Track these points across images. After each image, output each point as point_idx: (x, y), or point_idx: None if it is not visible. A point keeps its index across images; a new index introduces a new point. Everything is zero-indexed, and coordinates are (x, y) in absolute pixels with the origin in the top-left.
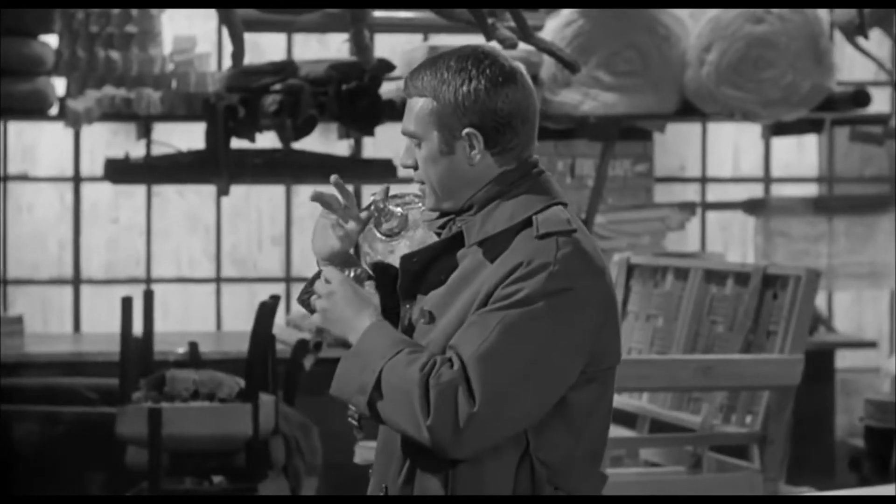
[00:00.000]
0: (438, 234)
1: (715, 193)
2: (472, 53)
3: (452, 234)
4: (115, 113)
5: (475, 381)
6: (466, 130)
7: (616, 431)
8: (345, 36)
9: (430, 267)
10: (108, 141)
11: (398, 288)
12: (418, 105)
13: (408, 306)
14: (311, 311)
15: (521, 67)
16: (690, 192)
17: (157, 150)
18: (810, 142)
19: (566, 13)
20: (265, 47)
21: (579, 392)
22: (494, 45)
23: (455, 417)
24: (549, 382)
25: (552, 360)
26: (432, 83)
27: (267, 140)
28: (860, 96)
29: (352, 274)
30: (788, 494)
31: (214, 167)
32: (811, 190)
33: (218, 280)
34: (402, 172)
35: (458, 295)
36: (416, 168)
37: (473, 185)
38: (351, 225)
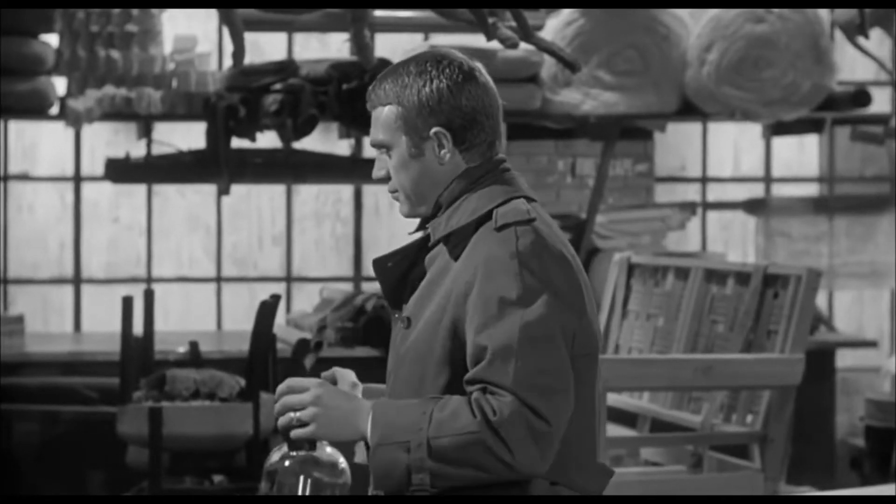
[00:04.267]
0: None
1: (715, 193)
2: (431, 56)
3: (422, 237)
4: (115, 112)
5: (536, 401)
6: (434, 130)
7: (617, 431)
8: (345, 35)
9: (409, 273)
10: (108, 140)
11: (383, 296)
12: (383, 113)
13: (395, 315)
14: (292, 430)
15: (480, 65)
16: (691, 192)
17: (157, 150)
18: (811, 141)
19: (567, 13)
20: (265, 47)
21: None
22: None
23: (535, 444)
24: (568, 370)
25: (562, 348)
26: (395, 89)
27: (267, 140)
28: (861, 96)
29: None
30: (789, 494)
31: (215, 167)
32: (812, 190)
33: (218, 279)
34: None
35: (431, 297)
36: (388, 179)
37: (444, 184)
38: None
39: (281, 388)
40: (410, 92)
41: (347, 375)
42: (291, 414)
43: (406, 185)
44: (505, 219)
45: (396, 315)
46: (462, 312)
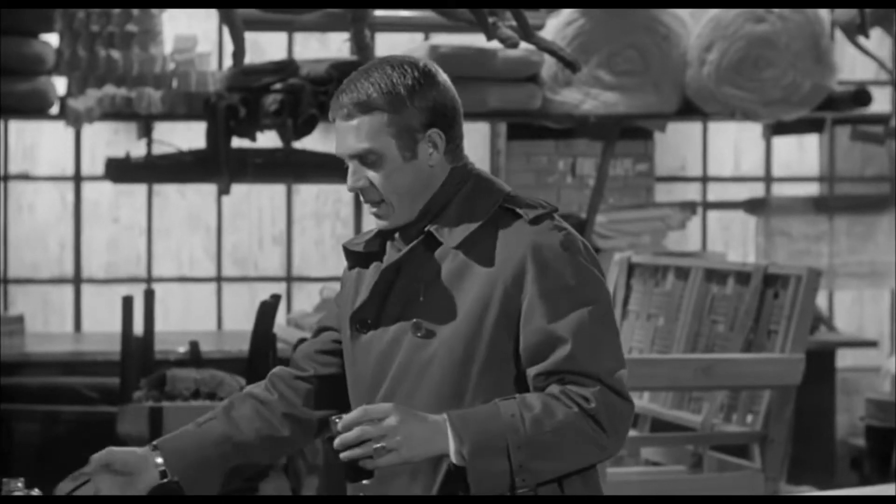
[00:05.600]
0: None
1: (716, 193)
2: (399, 60)
3: (419, 240)
4: (115, 112)
5: (618, 384)
6: (430, 131)
7: None
8: (345, 35)
9: (392, 288)
10: (108, 140)
11: (361, 308)
12: (367, 121)
13: (359, 327)
14: (369, 471)
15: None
16: (691, 192)
17: (157, 150)
18: (811, 141)
19: (567, 12)
20: (266, 46)
21: None
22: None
23: (623, 424)
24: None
25: (616, 324)
26: (381, 95)
27: (268, 139)
28: (861, 96)
29: None
30: (789, 494)
31: (215, 166)
32: (812, 189)
33: (219, 279)
34: None
35: (455, 302)
36: (369, 188)
37: (433, 187)
38: None
39: (354, 416)
40: (399, 93)
41: (123, 457)
42: (373, 444)
43: (400, 190)
44: (533, 212)
45: (364, 325)
46: (513, 307)
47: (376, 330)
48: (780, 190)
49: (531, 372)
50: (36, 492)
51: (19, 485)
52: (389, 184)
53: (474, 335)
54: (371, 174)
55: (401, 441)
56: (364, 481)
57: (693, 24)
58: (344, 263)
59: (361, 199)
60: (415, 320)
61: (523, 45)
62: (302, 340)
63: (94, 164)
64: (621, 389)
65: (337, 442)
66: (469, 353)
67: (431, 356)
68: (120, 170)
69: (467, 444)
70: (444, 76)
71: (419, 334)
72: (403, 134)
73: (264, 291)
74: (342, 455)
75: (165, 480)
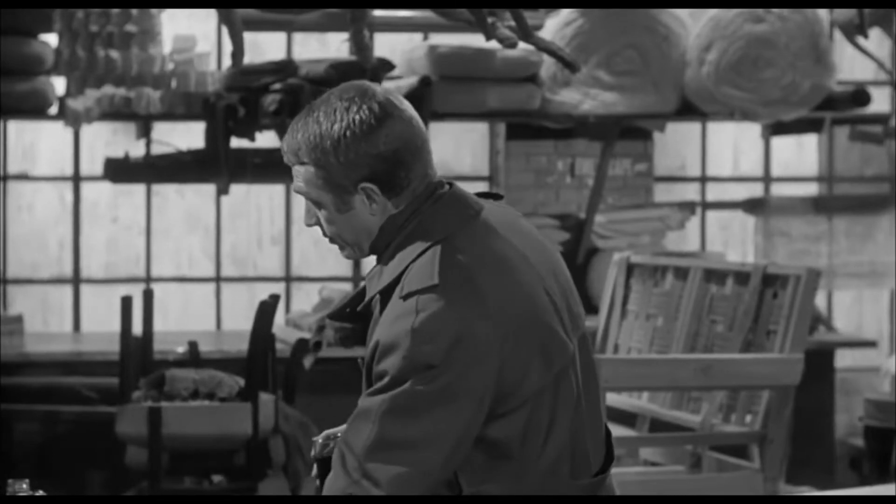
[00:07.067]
0: None
1: (715, 193)
2: (338, 101)
3: (358, 290)
4: (114, 112)
5: (375, 471)
6: (362, 185)
7: (616, 430)
8: (344, 35)
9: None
10: (107, 140)
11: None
12: (302, 171)
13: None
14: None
15: (393, 95)
16: (690, 192)
17: (156, 150)
18: (810, 141)
19: (566, 12)
20: (265, 47)
21: (503, 427)
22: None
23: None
24: (444, 448)
25: (437, 430)
26: (308, 148)
27: (267, 139)
28: (860, 96)
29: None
30: (788, 494)
31: (214, 166)
32: (811, 189)
33: (218, 279)
34: None
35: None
36: (320, 226)
37: (376, 230)
38: None
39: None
40: (325, 149)
41: None
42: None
43: (343, 235)
44: (409, 286)
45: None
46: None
47: None
48: (780, 190)
49: None
50: (40, 493)
51: (24, 486)
52: (330, 229)
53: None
54: (320, 215)
55: None
56: None
57: (692, 24)
58: (343, 263)
59: None
60: (359, 358)
61: (522, 45)
62: (301, 340)
63: (93, 164)
64: (379, 479)
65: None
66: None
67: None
68: (119, 170)
69: None
70: (398, 111)
71: (362, 369)
72: (334, 188)
73: (263, 291)
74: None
75: None
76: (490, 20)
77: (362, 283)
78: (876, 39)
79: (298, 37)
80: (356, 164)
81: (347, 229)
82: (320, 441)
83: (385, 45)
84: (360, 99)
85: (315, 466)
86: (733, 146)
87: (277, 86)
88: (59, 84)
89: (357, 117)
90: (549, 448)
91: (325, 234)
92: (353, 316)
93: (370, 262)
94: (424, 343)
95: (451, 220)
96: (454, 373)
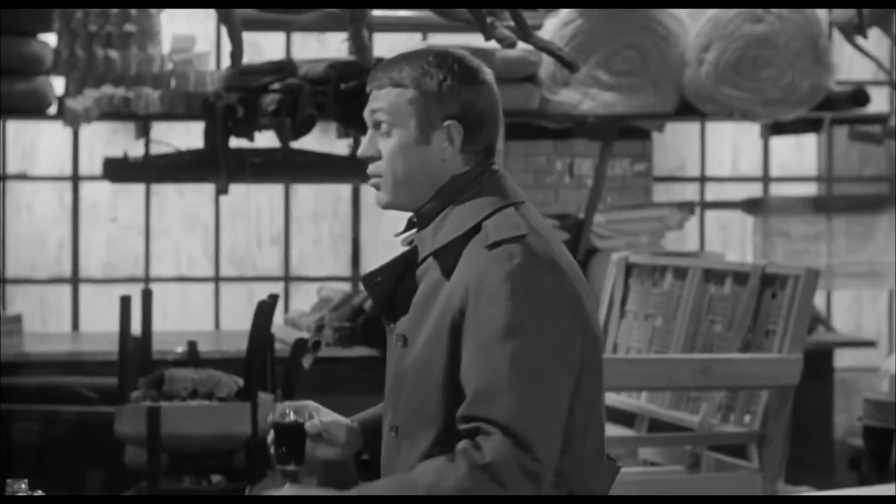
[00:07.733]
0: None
1: (714, 193)
2: (448, 52)
3: (410, 249)
4: (113, 112)
5: (522, 431)
6: (448, 122)
7: (615, 431)
8: (344, 35)
9: (398, 287)
10: (106, 140)
11: (380, 311)
12: (394, 93)
13: (391, 326)
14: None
15: (490, 71)
16: (689, 192)
17: (155, 150)
18: (809, 141)
19: (565, 12)
20: (264, 46)
21: (576, 396)
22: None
23: (529, 482)
24: (565, 398)
25: (560, 375)
26: (413, 73)
27: (266, 139)
28: (859, 96)
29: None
30: (787, 494)
31: (213, 166)
32: (810, 189)
33: (217, 279)
34: None
35: (426, 314)
36: (377, 159)
37: (437, 182)
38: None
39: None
40: (430, 79)
41: (336, 429)
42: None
43: (398, 171)
44: (497, 235)
45: (391, 326)
46: (459, 334)
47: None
48: (779, 190)
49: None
50: (39, 493)
51: (23, 486)
52: (392, 161)
53: (432, 353)
54: (382, 146)
55: None
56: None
57: (691, 24)
58: (342, 263)
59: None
60: (398, 331)
61: (521, 45)
62: (300, 340)
63: (92, 163)
64: (526, 439)
65: None
66: (430, 370)
67: (407, 369)
68: (118, 170)
69: None
70: (489, 80)
71: (399, 344)
72: (423, 116)
73: (262, 291)
74: None
75: (364, 457)
76: (489, 20)
77: (400, 252)
78: (875, 39)
79: (297, 37)
80: (453, 101)
81: (412, 164)
82: (285, 410)
83: (384, 45)
84: (467, 58)
85: (272, 431)
86: (732, 146)
87: (276, 86)
88: (58, 84)
89: (469, 66)
90: (593, 427)
91: (369, 171)
92: (353, 315)
93: (370, 262)
94: (523, 284)
95: (513, 193)
96: (559, 306)
